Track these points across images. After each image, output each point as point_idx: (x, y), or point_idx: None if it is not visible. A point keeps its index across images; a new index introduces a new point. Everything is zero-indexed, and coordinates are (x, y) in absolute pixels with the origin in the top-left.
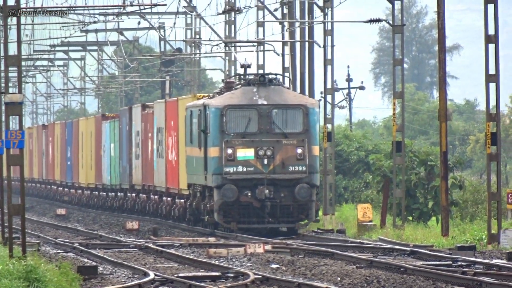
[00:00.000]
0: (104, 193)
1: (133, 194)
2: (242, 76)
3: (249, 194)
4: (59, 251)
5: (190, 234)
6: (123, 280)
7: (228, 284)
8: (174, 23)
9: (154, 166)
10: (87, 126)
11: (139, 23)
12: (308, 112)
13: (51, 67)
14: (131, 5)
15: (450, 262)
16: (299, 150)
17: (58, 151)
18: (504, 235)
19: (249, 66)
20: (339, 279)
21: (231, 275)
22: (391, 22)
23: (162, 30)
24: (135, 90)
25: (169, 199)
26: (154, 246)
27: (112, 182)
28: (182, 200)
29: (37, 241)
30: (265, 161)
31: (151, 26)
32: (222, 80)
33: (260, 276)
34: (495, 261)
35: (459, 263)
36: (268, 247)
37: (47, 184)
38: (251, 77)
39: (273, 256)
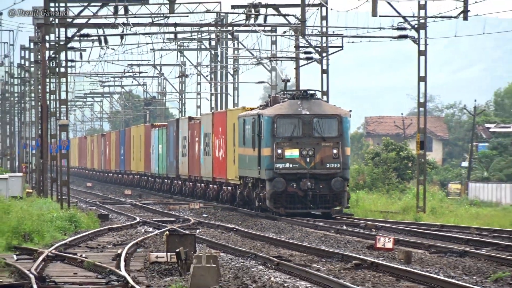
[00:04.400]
0: (152, 179)
1: (179, 182)
2: (287, 92)
3: (294, 185)
4: (88, 206)
5: (163, 196)
6: (122, 222)
7: (180, 224)
8: (152, 82)
9: (201, 162)
10: (137, 132)
11: (132, 82)
12: (342, 120)
13: (84, 106)
14: (128, 72)
15: None
16: (335, 151)
17: (113, 150)
18: None
19: (288, 80)
20: (240, 222)
21: (181, 219)
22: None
23: (145, 86)
24: (129, 120)
25: (215, 186)
26: (139, 204)
27: (159, 172)
28: (229, 188)
29: (76, 200)
30: (308, 159)
31: (139, 83)
32: (269, 96)
33: (196, 221)
34: None
35: None
36: (201, 205)
37: (105, 172)
38: (296, 93)
39: (204, 210)
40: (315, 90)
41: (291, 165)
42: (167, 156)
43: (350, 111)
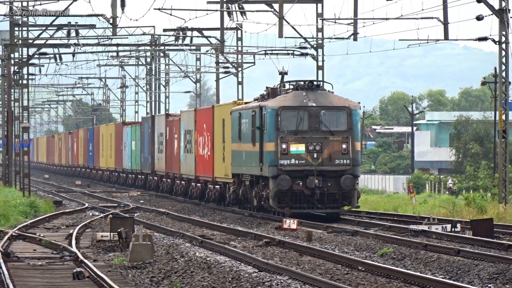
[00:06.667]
0: (124, 174)
1: (155, 177)
2: (291, 83)
3: (301, 183)
4: (45, 194)
5: (109, 186)
6: (73, 207)
7: (121, 209)
8: (98, 92)
9: (181, 159)
10: (107, 130)
11: (82, 91)
12: (351, 113)
13: (42, 111)
14: (78, 83)
15: None
16: (344, 146)
17: (82, 147)
18: None
19: (286, 73)
20: (170, 207)
21: (122, 205)
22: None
23: (92, 95)
24: (79, 123)
25: (198, 184)
26: (88, 192)
27: (132, 168)
28: (217, 186)
29: (35, 189)
30: (315, 155)
31: (87, 93)
32: (267, 87)
33: (135, 206)
34: None
35: None
36: (139, 192)
37: (72, 167)
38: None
39: (141, 197)
40: (321, 81)
41: (296, 161)
42: (141, 152)
43: (359, 103)
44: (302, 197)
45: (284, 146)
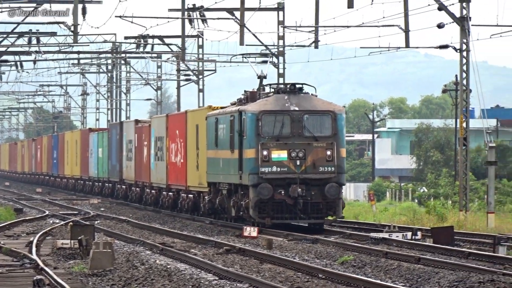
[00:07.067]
0: (90, 182)
1: (123, 186)
2: (271, 86)
3: (283, 192)
4: (5, 201)
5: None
6: (34, 214)
7: (81, 217)
8: (59, 99)
9: (151, 167)
10: (72, 137)
11: (43, 99)
12: (336, 118)
13: (3, 119)
14: (39, 91)
15: None
16: (328, 152)
17: (45, 154)
18: None
19: (265, 77)
20: (131, 215)
21: (83, 213)
22: None
23: (53, 102)
24: (40, 130)
25: (170, 193)
26: (48, 199)
27: (99, 176)
28: (190, 196)
29: None
30: (298, 162)
31: (48, 100)
32: (245, 91)
33: (95, 214)
34: None
35: None
36: (99, 200)
37: (36, 174)
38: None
39: (102, 205)
40: (304, 84)
41: (278, 169)
42: (109, 160)
43: (344, 106)
44: (284, 206)
45: (265, 152)
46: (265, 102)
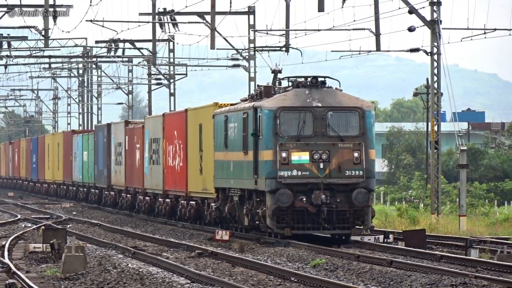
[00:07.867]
0: (74, 188)
1: (112, 192)
2: (290, 79)
3: (304, 199)
4: None
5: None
6: (6, 218)
7: (54, 220)
8: (30, 103)
9: (145, 172)
10: (54, 140)
11: (14, 103)
12: (364, 115)
13: None
14: (11, 95)
15: None
16: (356, 154)
17: (24, 158)
18: None
19: (280, 71)
20: (103, 219)
21: (55, 216)
22: None
23: (24, 106)
24: (12, 135)
25: (167, 200)
26: (20, 204)
27: (84, 181)
28: (192, 203)
29: None
30: (321, 165)
31: (20, 105)
32: (258, 86)
33: (68, 217)
34: None
35: None
36: (71, 204)
37: (13, 179)
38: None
39: (73, 209)
40: (326, 77)
41: (299, 173)
42: (95, 164)
43: (373, 102)
44: (306, 215)
45: (284, 154)
46: (284, 98)
